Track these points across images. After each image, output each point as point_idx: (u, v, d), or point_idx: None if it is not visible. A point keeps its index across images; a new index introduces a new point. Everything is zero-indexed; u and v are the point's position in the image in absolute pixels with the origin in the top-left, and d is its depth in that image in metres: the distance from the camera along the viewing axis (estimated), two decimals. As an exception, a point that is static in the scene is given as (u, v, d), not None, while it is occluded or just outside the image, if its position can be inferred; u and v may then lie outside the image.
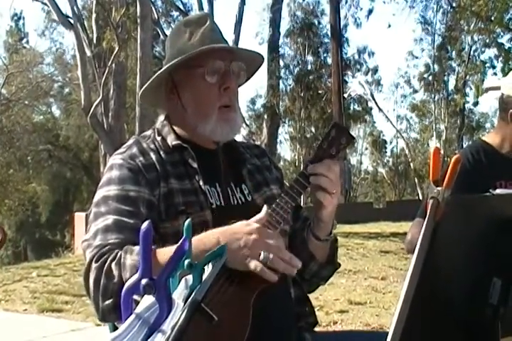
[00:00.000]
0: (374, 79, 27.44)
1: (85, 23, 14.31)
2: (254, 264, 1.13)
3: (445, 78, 26.75)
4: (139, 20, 11.75)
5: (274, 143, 18.10)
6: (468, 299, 1.09)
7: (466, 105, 28.01)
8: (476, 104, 27.97)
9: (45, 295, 6.07)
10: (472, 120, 30.05)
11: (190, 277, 1.01)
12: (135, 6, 12.36)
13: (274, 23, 18.48)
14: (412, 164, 29.88)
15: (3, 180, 22.89)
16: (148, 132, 1.50)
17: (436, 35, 25.45)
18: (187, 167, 1.41)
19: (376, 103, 27.33)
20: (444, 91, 27.07)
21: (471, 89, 26.73)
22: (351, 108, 25.33)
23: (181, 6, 19.36)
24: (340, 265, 1.53)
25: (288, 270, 1.17)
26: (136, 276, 0.99)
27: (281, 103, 21.93)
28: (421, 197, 25.39)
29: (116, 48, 12.55)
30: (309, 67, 23.25)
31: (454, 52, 25.32)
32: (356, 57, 25.02)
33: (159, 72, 1.46)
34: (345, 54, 23.18)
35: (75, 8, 13.01)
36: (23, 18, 37.73)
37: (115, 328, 1.28)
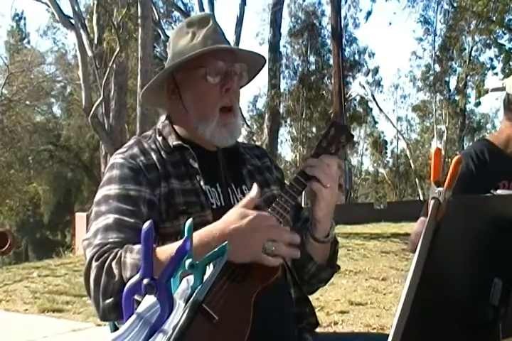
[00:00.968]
0: (374, 79, 27.46)
1: (86, 23, 14.31)
2: (257, 257, 1.14)
3: (446, 78, 26.76)
4: (139, 21, 11.76)
5: (274, 144, 18.10)
6: (469, 300, 1.09)
7: (467, 106, 28.04)
8: (477, 104, 27.99)
9: (46, 296, 6.08)
10: (473, 121, 30.07)
11: (191, 277, 1.01)
12: (136, 7, 12.36)
13: (275, 23, 18.48)
14: (412, 165, 29.87)
15: (4, 180, 22.90)
16: (150, 132, 1.51)
17: (437, 35, 25.46)
18: (188, 167, 1.41)
19: (377, 104, 27.35)
20: (445, 92, 27.08)
21: (472, 89, 26.76)
22: (352, 109, 25.34)
23: (182, 7, 19.40)
24: (339, 267, 1.52)
25: (292, 254, 1.18)
26: (137, 276, 0.99)
27: (282, 103, 21.94)
28: (422, 198, 25.40)
29: (117, 49, 12.55)
30: (310, 68, 23.26)
31: (455, 53, 25.32)
32: (357, 57, 25.05)
33: (161, 72, 1.46)
34: (348, 55, 23.21)
35: (76, 9, 13.02)
36: (24, 18, 37.82)
37: (116, 328, 1.28)
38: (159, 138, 1.45)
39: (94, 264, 1.20)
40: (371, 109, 28.16)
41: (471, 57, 25.18)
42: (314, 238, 1.41)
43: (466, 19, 20.83)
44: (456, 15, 21.54)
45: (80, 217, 12.26)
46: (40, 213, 30.66)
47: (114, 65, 13.44)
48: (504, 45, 20.89)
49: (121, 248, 1.20)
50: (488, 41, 22.65)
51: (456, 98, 26.92)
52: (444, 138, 27.10)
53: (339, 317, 4.88)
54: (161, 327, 0.96)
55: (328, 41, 22.34)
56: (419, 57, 27.77)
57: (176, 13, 19.36)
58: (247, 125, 21.20)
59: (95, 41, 14.09)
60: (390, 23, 36.23)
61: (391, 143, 35.04)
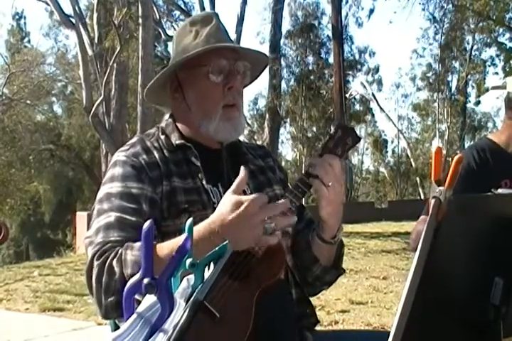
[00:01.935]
0: (375, 78, 27.47)
1: (87, 22, 14.31)
2: (261, 240, 1.13)
3: (447, 77, 26.74)
4: (140, 20, 11.74)
5: (275, 143, 18.10)
6: (470, 299, 1.08)
7: (468, 105, 28.04)
8: (477, 103, 27.99)
9: (47, 295, 6.08)
10: (474, 120, 30.06)
11: (192, 276, 1.01)
12: (137, 6, 12.36)
13: (276, 22, 18.47)
14: (413, 164, 29.87)
15: (5, 179, 22.89)
16: (153, 130, 1.50)
17: (438, 34, 25.44)
18: (190, 166, 1.41)
19: (377, 103, 27.33)
20: (447, 91, 27.07)
21: (472, 88, 26.75)
22: (353, 108, 25.34)
23: (183, 6, 19.38)
24: (344, 271, 1.51)
25: (290, 221, 1.17)
26: (137, 276, 0.99)
27: (283, 103, 21.93)
28: (422, 197, 25.39)
29: (118, 48, 12.55)
30: (311, 67, 23.25)
31: (456, 51, 25.30)
32: (357, 56, 25.04)
33: (164, 70, 1.46)
34: (349, 54, 23.21)
35: (77, 8, 13.02)
36: (25, 17, 37.83)
37: (116, 327, 1.28)
38: (162, 137, 1.45)
39: (95, 263, 1.20)
40: (371, 108, 28.18)
41: (472, 56, 25.17)
42: (321, 238, 1.40)
43: (467, 18, 20.83)
44: (456, 14, 21.53)
45: (81, 216, 12.26)
46: (41, 212, 30.67)
47: (115, 64, 13.44)
48: (505, 44, 20.87)
49: (122, 246, 1.20)
50: (488, 40, 22.64)
51: (457, 97, 26.91)
52: (446, 137, 27.08)
53: (340, 316, 4.88)
54: (162, 326, 0.96)
55: (329, 40, 22.33)
56: (421, 56, 27.78)
57: (177, 12, 19.35)
58: (248, 124, 21.21)
59: (96, 40, 14.09)
60: (391, 22, 36.24)
61: (392, 142, 35.06)
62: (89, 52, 13.02)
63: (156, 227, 1.09)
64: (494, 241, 1.10)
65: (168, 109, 1.55)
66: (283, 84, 22.81)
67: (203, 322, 0.99)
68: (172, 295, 0.98)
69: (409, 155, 30.42)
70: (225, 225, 1.13)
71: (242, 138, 1.56)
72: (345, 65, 20.67)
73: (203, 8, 15.08)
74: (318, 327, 1.50)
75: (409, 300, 0.85)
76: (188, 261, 0.99)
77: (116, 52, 12.63)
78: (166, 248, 1.14)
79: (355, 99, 25.86)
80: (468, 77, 25.86)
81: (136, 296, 1.00)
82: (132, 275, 1.01)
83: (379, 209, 18.88)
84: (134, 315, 0.97)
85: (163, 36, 16.83)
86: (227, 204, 1.15)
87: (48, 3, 14.08)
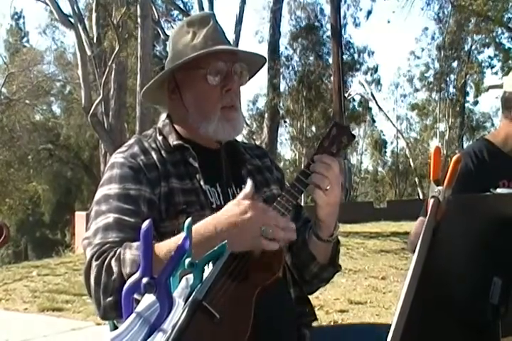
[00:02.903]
0: (374, 78, 27.48)
1: (86, 22, 14.30)
2: (257, 243, 1.14)
3: (446, 77, 26.75)
4: (139, 20, 11.76)
5: (274, 143, 18.10)
6: (469, 299, 1.09)
7: (467, 105, 28.06)
8: (476, 103, 28.02)
9: (46, 295, 6.08)
10: (472, 119, 30.08)
11: (191, 276, 1.01)
12: (135, 6, 12.36)
13: (275, 22, 18.47)
14: (412, 163, 29.89)
15: (4, 179, 22.90)
16: (150, 131, 1.51)
17: (438, 34, 25.45)
18: (188, 166, 1.41)
19: (376, 102, 27.35)
20: (445, 91, 27.09)
21: (471, 88, 26.78)
22: (351, 108, 25.35)
23: (181, 6, 19.37)
24: (341, 267, 1.52)
25: (288, 236, 1.18)
26: (136, 275, 0.99)
27: (282, 102, 21.93)
28: (421, 197, 25.40)
29: (117, 48, 12.55)
30: (310, 67, 23.24)
31: (455, 52, 25.31)
32: (356, 56, 25.04)
33: (162, 72, 1.46)
34: (348, 52, 23.21)
35: (76, 8, 13.01)
36: (24, 17, 37.78)
37: (115, 327, 1.28)
38: (159, 138, 1.45)
39: (94, 263, 1.20)
40: (371, 108, 28.19)
41: (471, 56, 25.18)
42: (318, 237, 1.41)
43: (466, 18, 20.84)
44: (456, 14, 21.55)
45: (80, 216, 12.25)
46: (40, 212, 30.65)
47: (114, 64, 13.43)
48: (503, 44, 20.91)
49: (121, 247, 1.20)
50: (487, 40, 22.67)
51: (456, 97, 26.92)
52: (445, 137, 27.09)
53: (339, 316, 4.89)
54: (161, 326, 0.96)
55: (328, 40, 22.32)
56: (418, 57, 27.79)
57: (176, 12, 19.35)
58: (247, 124, 21.21)
59: (95, 40, 14.08)
60: (389, 21, 36.23)
61: (391, 143, 35.09)
62: (88, 52, 13.01)
63: (154, 228, 1.09)
64: (493, 240, 1.10)
65: (165, 108, 1.55)
66: (282, 84, 22.84)
67: (202, 321, 0.99)
68: (171, 294, 0.98)
69: (408, 155, 30.44)
70: (221, 223, 1.15)
71: (241, 138, 1.57)
72: (344, 64, 20.67)
73: (201, 8, 15.08)
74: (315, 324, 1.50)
75: (408, 299, 0.85)
76: (187, 260, 0.99)
77: (115, 52, 12.62)
78: (164, 247, 1.14)
79: (353, 99, 25.88)
80: (467, 77, 25.88)
81: (135, 296, 1.00)
82: (131, 275, 1.01)
83: (378, 209, 18.89)
84: (133, 315, 0.97)
85: (162, 36, 16.83)
86: (228, 206, 1.18)
87: (46, 3, 14.07)
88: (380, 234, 11.90)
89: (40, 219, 30.90)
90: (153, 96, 1.55)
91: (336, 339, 1.49)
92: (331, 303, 5.36)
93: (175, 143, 1.43)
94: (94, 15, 14.67)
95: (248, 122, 22.93)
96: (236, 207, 1.17)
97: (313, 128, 24.59)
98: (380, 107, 27.90)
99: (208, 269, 1.04)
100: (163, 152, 1.42)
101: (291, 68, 23.51)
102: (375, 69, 27.31)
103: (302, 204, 1.69)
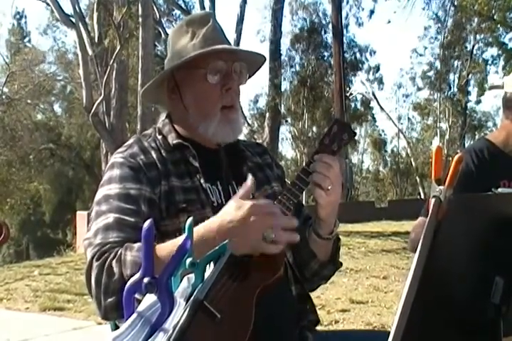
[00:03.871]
0: (376, 77, 27.44)
1: (87, 22, 14.30)
2: (258, 246, 1.12)
3: (448, 77, 26.73)
4: (140, 19, 11.75)
5: (275, 142, 18.10)
6: (470, 298, 1.08)
7: (469, 104, 28.02)
8: (479, 102, 27.99)
9: (47, 294, 6.08)
10: (474, 119, 30.05)
11: (192, 276, 1.01)
12: (137, 5, 12.36)
13: (276, 21, 18.46)
14: (413, 163, 29.86)
15: (5, 178, 22.90)
16: (150, 131, 1.51)
17: (439, 33, 25.42)
18: (188, 165, 1.41)
19: (378, 102, 27.32)
20: (447, 90, 27.06)
21: (473, 87, 26.75)
22: (353, 107, 25.33)
23: (183, 5, 19.37)
24: (341, 264, 1.52)
25: (291, 238, 1.16)
26: (137, 275, 0.99)
27: (283, 102, 21.92)
28: (423, 196, 25.39)
29: (118, 47, 12.54)
30: (311, 66, 23.22)
31: (457, 51, 25.28)
32: (358, 55, 25.02)
33: (162, 72, 1.46)
34: (349, 53, 23.19)
35: (77, 7, 13.01)
36: (25, 16, 37.82)
37: (117, 327, 1.28)
38: (159, 137, 1.45)
39: (95, 264, 1.20)
40: (372, 108, 28.17)
41: (473, 56, 25.16)
42: (318, 235, 1.41)
43: (468, 18, 20.81)
44: (458, 13, 21.52)
45: (81, 216, 12.25)
46: (42, 211, 30.67)
47: (115, 64, 13.43)
48: (506, 44, 20.89)
49: (121, 247, 1.20)
50: (489, 40, 22.64)
51: (458, 96, 26.89)
52: (446, 136, 27.06)
53: (340, 315, 4.88)
54: (162, 326, 0.96)
55: (329, 40, 22.32)
56: (421, 55, 27.75)
57: (177, 12, 19.35)
58: (248, 123, 21.21)
59: (96, 40, 14.07)
60: (389, 21, 36.06)
61: (391, 142, 35.07)
62: (90, 51, 13.01)
63: (155, 227, 1.09)
64: (494, 240, 1.10)
65: (165, 108, 1.55)
66: (284, 83, 22.84)
67: (203, 321, 0.99)
68: (172, 294, 0.98)
69: (410, 154, 30.42)
70: (223, 225, 1.14)
71: (242, 137, 1.56)
72: (346, 64, 20.66)
73: (203, 7, 15.09)
74: (318, 327, 1.50)
75: (410, 299, 0.85)
76: (188, 260, 0.99)
77: (116, 52, 12.62)
78: (165, 249, 1.14)
79: (355, 98, 25.87)
80: (469, 76, 25.85)
81: (137, 295, 1.00)
82: (131, 276, 1.01)
83: (379, 208, 18.87)
84: (134, 315, 0.97)
85: (163, 35, 16.83)
86: (229, 207, 1.16)
87: (48, 3, 14.08)
88: (382, 234, 11.89)
89: (42, 218, 30.92)
90: (153, 96, 1.55)
91: None
92: (332, 303, 5.35)
93: (174, 142, 1.43)
94: (95, 14, 14.67)
95: (249, 121, 22.91)
96: (238, 212, 1.13)
97: (315, 128, 24.57)
98: (381, 107, 27.88)
99: (210, 269, 1.04)
100: (162, 151, 1.42)
101: (292, 67, 23.52)
102: (377, 69, 27.29)
103: (303, 203, 1.69)
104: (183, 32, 1.48)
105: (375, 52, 26.33)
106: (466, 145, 26.05)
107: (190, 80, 1.43)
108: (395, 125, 30.83)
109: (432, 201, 0.93)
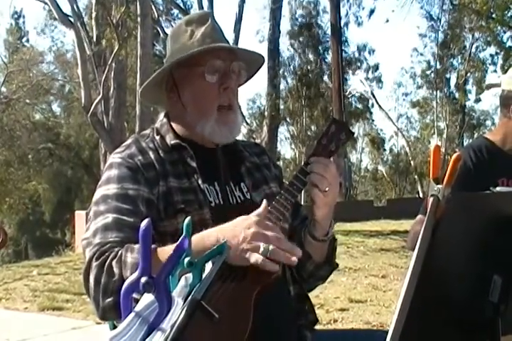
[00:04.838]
0: (374, 76, 27.43)
1: (85, 21, 14.29)
2: (254, 257, 1.11)
3: (447, 75, 26.74)
4: (139, 19, 11.74)
5: (274, 142, 18.10)
6: (469, 297, 1.08)
7: (467, 103, 28.03)
8: (476, 101, 27.99)
9: (46, 294, 6.08)
10: (473, 118, 30.07)
11: (190, 275, 1.01)
12: (135, 5, 12.34)
13: (275, 21, 18.46)
14: (412, 162, 29.87)
15: (4, 178, 22.88)
16: (147, 131, 1.51)
17: (438, 32, 25.43)
18: (186, 166, 1.41)
19: (376, 101, 27.32)
20: (446, 89, 27.07)
21: (472, 86, 26.76)
22: (352, 106, 25.34)
23: (181, 5, 19.36)
24: (338, 265, 1.52)
25: (288, 260, 1.14)
26: (135, 274, 0.98)
27: (281, 101, 21.92)
28: (421, 195, 25.40)
29: (117, 47, 12.52)
30: (310, 65, 23.23)
31: (455, 50, 25.29)
32: (357, 55, 25.03)
33: (159, 70, 1.46)
34: (346, 52, 23.19)
35: (75, 7, 13.00)
36: (23, 16, 37.75)
37: (115, 327, 1.28)
38: (157, 137, 1.45)
39: (94, 264, 1.20)
40: (371, 106, 28.16)
41: (472, 54, 25.17)
42: (313, 237, 1.41)
43: (466, 16, 20.82)
44: (455, 12, 21.54)
45: (80, 215, 12.24)
46: (40, 211, 30.65)
47: (114, 63, 13.41)
48: (504, 43, 20.89)
49: (121, 247, 1.20)
50: (488, 38, 22.63)
51: (456, 95, 26.91)
52: (445, 135, 27.08)
53: (339, 314, 4.88)
54: (160, 325, 0.96)
55: (328, 38, 22.29)
56: (421, 54, 27.75)
57: (175, 11, 19.33)
58: (247, 123, 21.22)
59: (94, 39, 14.06)
60: (387, 20, 36.01)
61: (389, 141, 35.07)
62: (88, 51, 12.99)
63: (153, 228, 1.09)
64: (493, 238, 1.10)
65: (163, 107, 1.55)
66: (282, 83, 22.83)
67: (201, 321, 0.99)
68: (170, 294, 0.97)
69: (408, 153, 30.43)
70: (223, 231, 1.15)
71: (240, 137, 1.56)
72: (345, 63, 20.66)
73: (201, 7, 15.07)
74: (317, 326, 1.50)
75: (408, 298, 0.85)
76: (186, 259, 0.99)
77: (114, 51, 12.61)
78: (168, 252, 1.13)
79: (354, 96, 25.87)
80: (468, 75, 25.86)
81: (134, 295, 1.00)
82: (131, 277, 1.01)
83: (378, 207, 18.86)
84: (132, 314, 0.97)
85: (161, 35, 16.82)
86: (237, 218, 1.18)
87: (46, 3, 14.06)
88: (380, 233, 11.89)
89: (41, 218, 30.90)
90: (152, 95, 1.55)
91: None
92: (331, 302, 5.36)
93: (172, 142, 1.43)
94: (93, 14, 14.65)
95: (248, 121, 22.93)
96: (243, 221, 1.16)
97: (313, 127, 24.57)
98: (379, 105, 27.88)
99: (208, 268, 1.04)
100: (160, 151, 1.42)
101: (291, 67, 23.51)
102: (376, 67, 27.28)
103: (302, 203, 1.68)
104: (181, 31, 1.48)
105: (374, 51, 26.33)
106: (465, 143, 26.06)
107: (188, 79, 1.43)
108: (394, 124, 30.84)
109: (430, 200, 0.93)
